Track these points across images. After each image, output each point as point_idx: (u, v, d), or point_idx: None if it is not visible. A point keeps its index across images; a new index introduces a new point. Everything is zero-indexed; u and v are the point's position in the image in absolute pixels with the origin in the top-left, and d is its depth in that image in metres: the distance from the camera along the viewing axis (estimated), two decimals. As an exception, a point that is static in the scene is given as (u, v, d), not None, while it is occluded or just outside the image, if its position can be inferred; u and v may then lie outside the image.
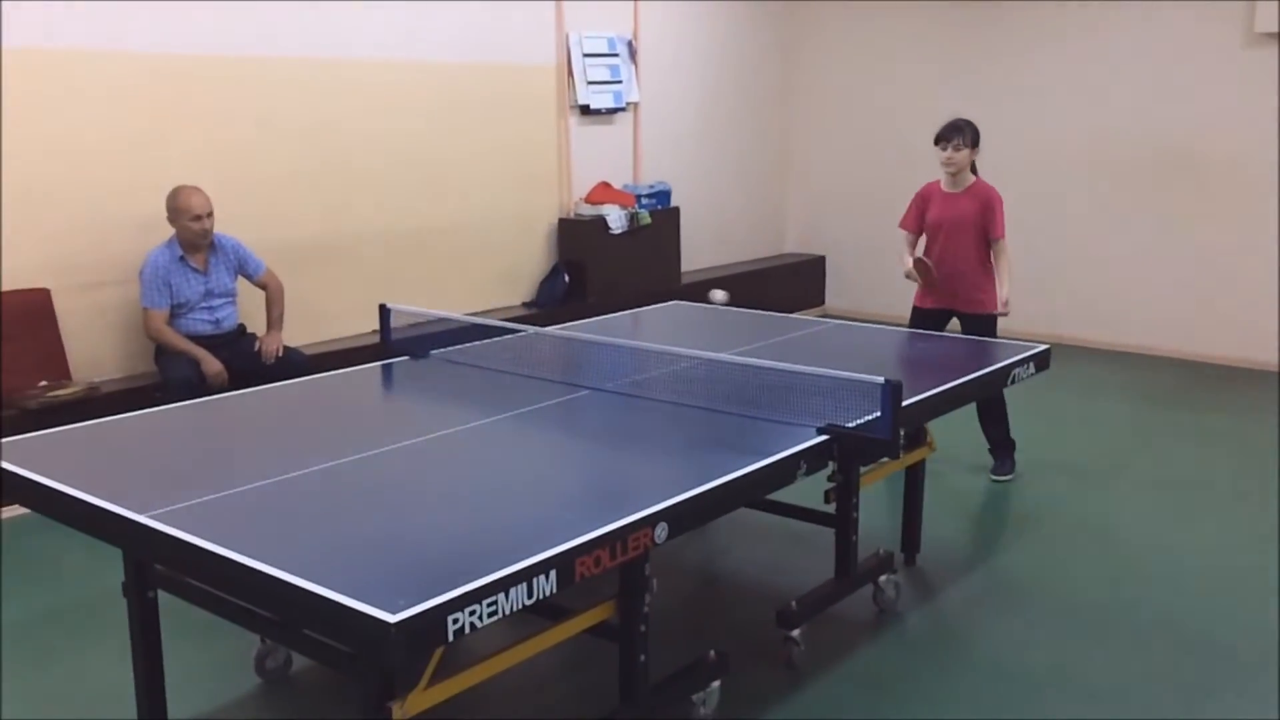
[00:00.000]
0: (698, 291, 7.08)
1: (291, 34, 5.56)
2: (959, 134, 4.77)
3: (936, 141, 4.83)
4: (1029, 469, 5.12)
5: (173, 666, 2.97)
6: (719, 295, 2.85)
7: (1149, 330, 7.39)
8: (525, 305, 6.85)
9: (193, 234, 4.83)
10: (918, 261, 4.89)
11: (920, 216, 4.99)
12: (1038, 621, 3.65)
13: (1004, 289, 4.82)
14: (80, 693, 3.24)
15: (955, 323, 4.97)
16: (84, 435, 3.04)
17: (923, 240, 5.04)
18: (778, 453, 2.80)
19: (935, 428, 3.80)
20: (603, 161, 7.30)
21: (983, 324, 4.86)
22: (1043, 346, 4.02)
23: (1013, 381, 3.83)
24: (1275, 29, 6.59)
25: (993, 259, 4.87)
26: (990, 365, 3.76)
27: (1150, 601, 3.79)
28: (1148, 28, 7.13)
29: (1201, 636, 3.54)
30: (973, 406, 3.86)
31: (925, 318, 4.97)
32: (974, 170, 4.91)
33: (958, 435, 5.34)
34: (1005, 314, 4.82)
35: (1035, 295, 6.97)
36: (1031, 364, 3.90)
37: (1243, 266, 7.00)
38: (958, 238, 4.86)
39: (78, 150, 4.89)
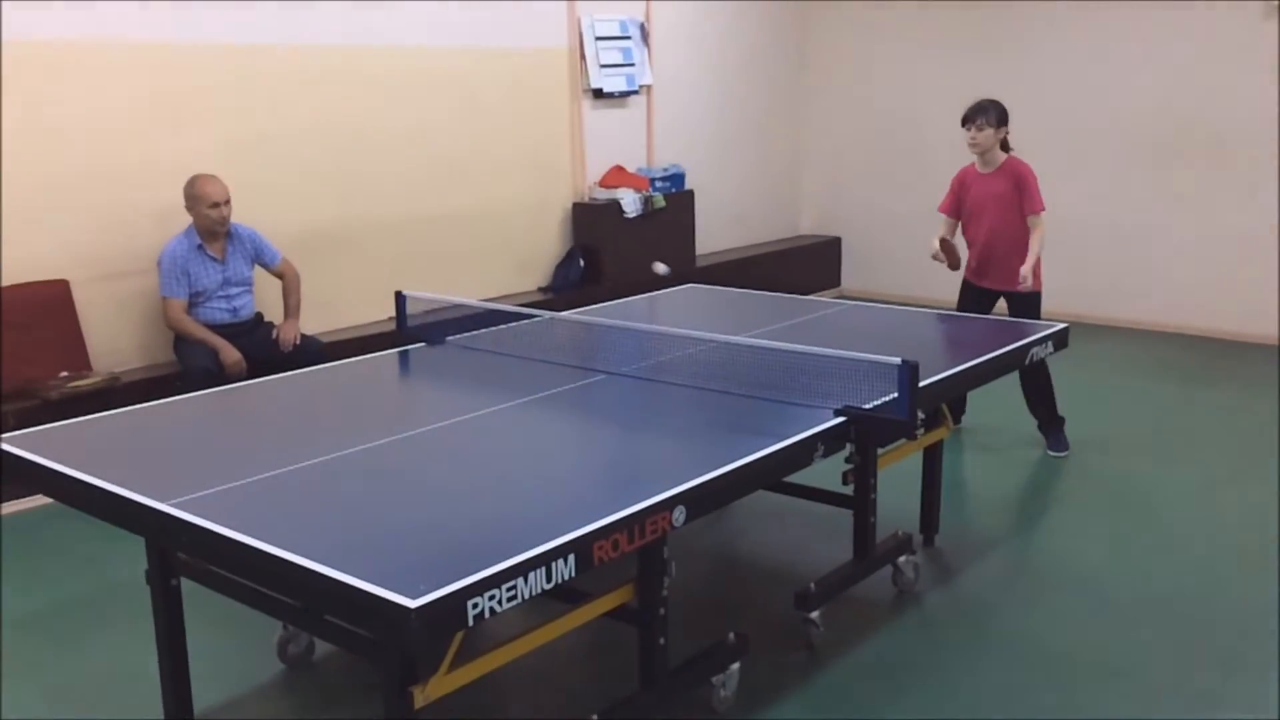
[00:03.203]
0: (714, 275, 7.09)
1: (306, 22, 5.55)
2: (983, 114, 4.80)
3: (963, 123, 4.85)
4: (1045, 453, 5.10)
5: (196, 653, 2.99)
6: (660, 267, 2.84)
7: (1170, 307, 7.34)
8: (540, 290, 6.85)
9: (210, 221, 4.85)
10: (943, 242, 4.91)
11: (958, 200, 5.02)
12: (1057, 601, 3.64)
13: (1028, 264, 4.74)
14: (105, 680, 3.27)
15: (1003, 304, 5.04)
16: (105, 425, 3.07)
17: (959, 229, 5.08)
18: (795, 435, 2.80)
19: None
20: (616, 145, 7.28)
21: (1027, 302, 4.88)
22: (1061, 325, 4.00)
23: (1031, 361, 3.82)
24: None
25: (1030, 229, 4.84)
26: (1007, 345, 3.74)
27: (1174, 581, 3.77)
28: (1165, 6, 7.04)
29: (1226, 615, 3.52)
30: (998, 386, 3.85)
31: (975, 294, 5.06)
32: (1006, 148, 4.92)
33: (979, 412, 5.34)
34: (1026, 287, 4.76)
35: (1061, 273, 6.92)
36: (1050, 343, 3.88)
37: (1259, 241, 6.94)
38: (996, 217, 4.88)
39: (95, 142, 4.91)
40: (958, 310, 5.00)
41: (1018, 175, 4.84)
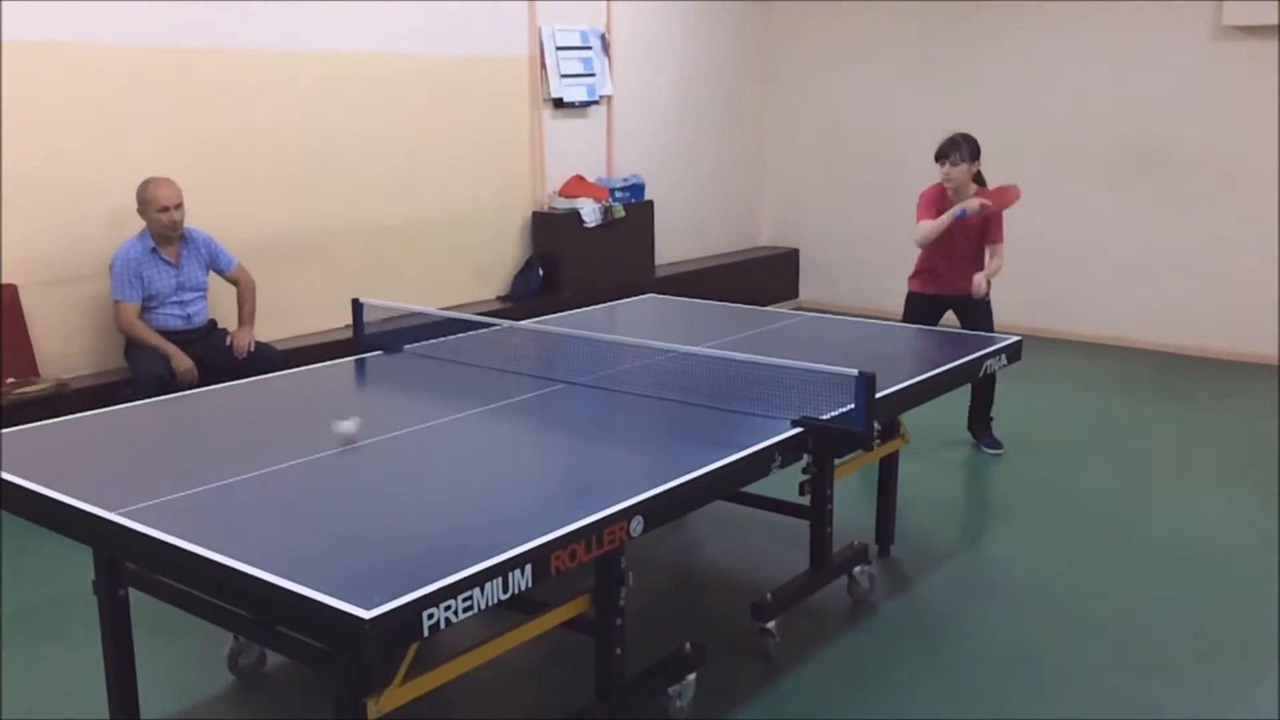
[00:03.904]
0: (672, 285, 7.10)
1: (263, 26, 5.50)
2: (956, 149, 4.94)
3: (936, 159, 5.00)
4: (1004, 459, 5.16)
5: (145, 664, 2.95)
6: (345, 426, 2.63)
7: (1121, 322, 7.46)
8: (499, 299, 6.83)
9: (161, 225, 4.79)
10: (997, 189, 4.97)
11: (938, 210, 5.03)
12: (1011, 609, 3.68)
13: (983, 276, 4.99)
14: (51, 692, 3.20)
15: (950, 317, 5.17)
16: (52, 432, 3.01)
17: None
18: (753, 445, 2.81)
19: (912, 416, 3.81)
20: (576, 155, 7.28)
21: (978, 312, 5.07)
22: (1015, 338, 4.05)
23: (984, 373, 3.86)
24: (1243, 22, 6.66)
25: (989, 256, 5.08)
26: (962, 357, 3.78)
27: (1124, 586, 3.83)
28: (1118, 22, 7.18)
29: (1177, 619, 3.57)
30: (949, 396, 3.91)
31: (922, 303, 5.18)
32: (981, 180, 5.09)
33: (933, 423, 5.39)
34: (980, 294, 4.98)
35: (1017, 288, 7.02)
36: (1004, 355, 3.93)
37: (1213, 258, 7.07)
38: (961, 245, 5.05)
39: (46, 144, 4.83)
40: (903, 321, 5.13)
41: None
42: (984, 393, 5.26)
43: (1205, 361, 7.04)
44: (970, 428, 5.34)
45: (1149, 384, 6.57)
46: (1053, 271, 7.63)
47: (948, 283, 5.12)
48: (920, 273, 5.22)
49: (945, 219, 4.92)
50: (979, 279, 4.95)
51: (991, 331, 4.87)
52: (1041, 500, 4.71)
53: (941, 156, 4.97)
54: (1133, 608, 3.69)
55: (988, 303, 5.09)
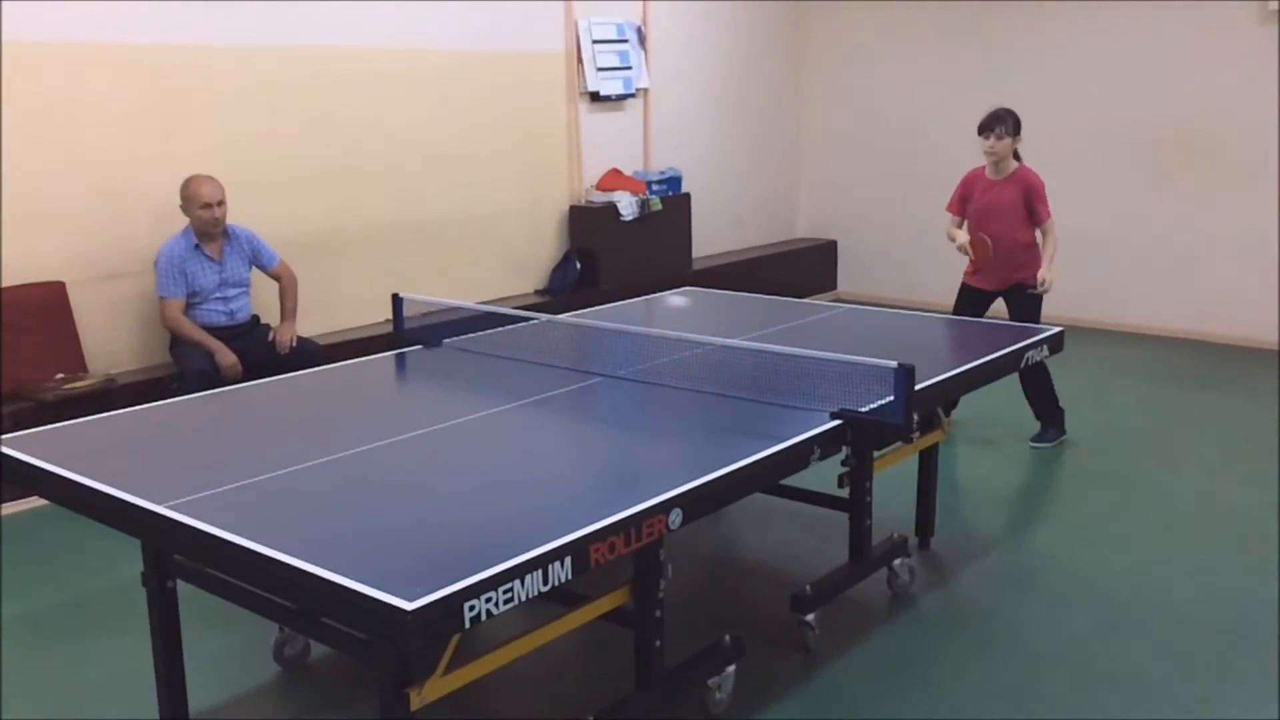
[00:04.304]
0: (710, 278, 7.09)
1: (301, 23, 5.56)
2: (1000, 123, 4.93)
3: (980, 132, 4.98)
4: (1048, 451, 5.12)
5: (192, 655, 2.99)
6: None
7: (1163, 312, 7.36)
8: (537, 293, 6.85)
9: (204, 222, 4.85)
10: (976, 238, 4.99)
11: (964, 201, 5.13)
12: (1053, 603, 3.65)
13: (1047, 268, 4.95)
14: (102, 683, 3.26)
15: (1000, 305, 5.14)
16: (101, 427, 3.06)
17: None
18: (791, 438, 2.80)
19: (961, 405, 3.78)
20: (613, 148, 7.29)
21: (1028, 303, 5.03)
22: (1057, 328, 4.01)
23: (1026, 364, 3.82)
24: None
25: (1040, 240, 5.03)
26: (1002, 348, 3.74)
27: (1169, 581, 3.78)
28: (1159, 11, 7.06)
29: (1223, 617, 3.53)
30: (1000, 389, 3.89)
31: (973, 295, 5.16)
32: (1017, 156, 5.05)
33: (974, 409, 5.35)
34: (1046, 290, 4.95)
35: (1057, 278, 6.96)
36: (1045, 346, 3.89)
37: (1259, 246, 6.95)
38: (1003, 223, 5.00)
39: (90, 143, 4.91)
40: (954, 312, 5.10)
41: (1029, 184, 4.98)
42: (1041, 385, 5.13)
43: (1250, 351, 6.93)
44: (1039, 418, 5.21)
45: (1192, 374, 6.48)
46: (1095, 262, 7.53)
47: (997, 276, 5.06)
48: (970, 263, 5.18)
49: (961, 236, 5.06)
50: (1045, 275, 4.90)
51: (1038, 322, 4.83)
52: (1086, 493, 4.66)
53: (985, 130, 4.95)
54: (1177, 603, 3.64)
55: (1039, 296, 5.03)
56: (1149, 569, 3.90)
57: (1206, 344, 7.13)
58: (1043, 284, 4.92)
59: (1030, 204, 4.97)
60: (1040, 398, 5.18)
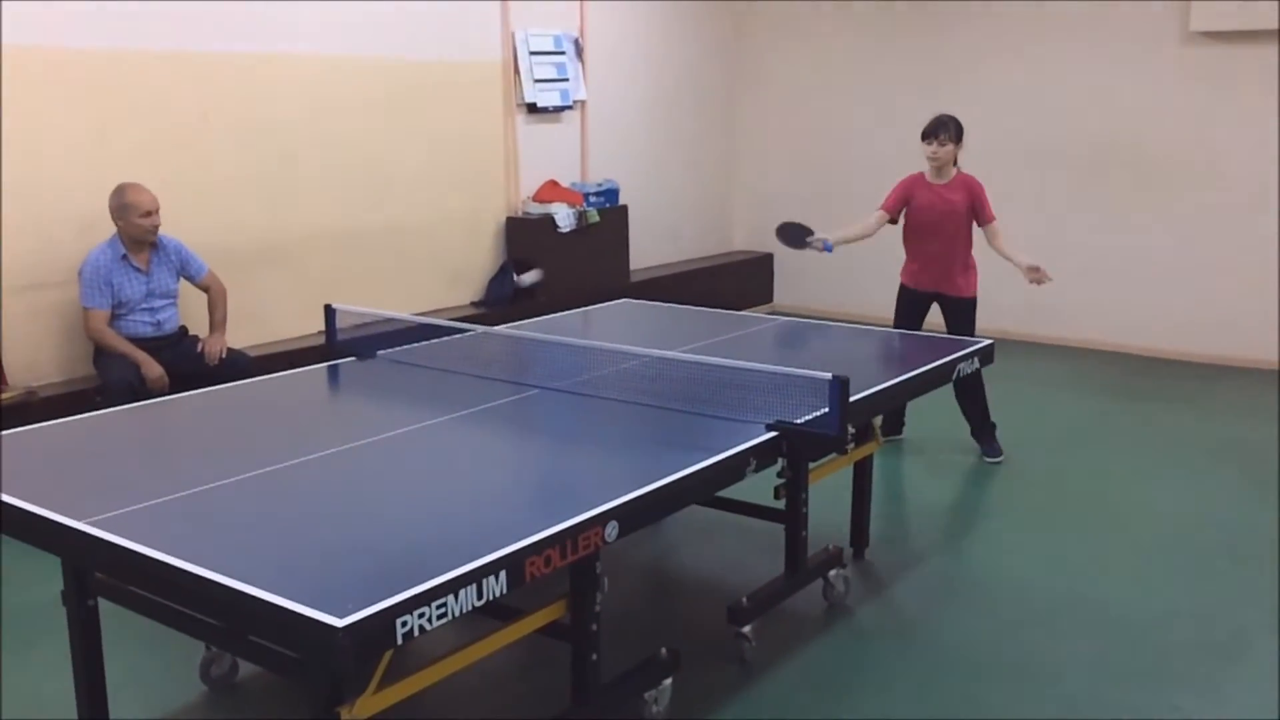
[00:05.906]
0: (647, 290, 7.10)
1: (234, 29, 5.47)
2: (944, 129, 5.04)
3: (924, 137, 5.07)
4: (979, 463, 5.19)
5: (115, 675, 2.91)
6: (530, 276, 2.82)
7: (1093, 326, 7.51)
8: (473, 305, 6.81)
9: (142, 230, 4.75)
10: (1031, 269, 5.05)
11: (902, 203, 5.20)
12: (988, 611, 3.70)
13: (1022, 257, 5.03)
14: (21, 704, 3.16)
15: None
16: (20, 441, 2.97)
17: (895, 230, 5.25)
18: (727, 450, 2.81)
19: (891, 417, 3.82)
20: (550, 160, 7.27)
21: (964, 307, 5.15)
22: (987, 341, 4.08)
23: (958, 376, 3.88)
24: (1209, 28, 6.74)
25: (990, 240, 5.13)
26: (935, 360, 3.80)
27: (1103, 588, 3.85)
28: (1088, 27, 7.24)
29: (1156, 621, 3.60)
30: (934, 395, 3.94)
31: (911, 297, 5.25)
32: (955, 163, 5.16)
33: (916, 424, 5.42)
34: (1049, 279, 5.05)
35: (987, 290, 7.09)
36: (976, 359, 3.96)
37: (1185, 260, 7.14)
38: (948, 227, 5.11)
39: (12, 150, 4.77)
40: (895, 314, 5.22)
41: (971, 188, 5.11)
42: (974, 398, 5.21)
43: (1177, 364, 7.11)
44: (974, 435, 5.27)
45: (1123, 387, 6.62)
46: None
47: (937, 277, 5.16)
48: (909, 266, 5.27)
49: (844, 236, 5.24)
50: (1029, 265, 4.97)
51: (973, 334, 4.92)
52: (1020, 503, 4.74)
53: (929, 135, 5.04)
54: (1111, 609, 3.71)
55: (972, 304, 5.16)
56: (1081, 576, 3.97)
57: (1135, 356, 7.29)
58: (1034, 272, 4.99)
59: (974, 207, 5.08)
60: (974, 411, 5.25)
